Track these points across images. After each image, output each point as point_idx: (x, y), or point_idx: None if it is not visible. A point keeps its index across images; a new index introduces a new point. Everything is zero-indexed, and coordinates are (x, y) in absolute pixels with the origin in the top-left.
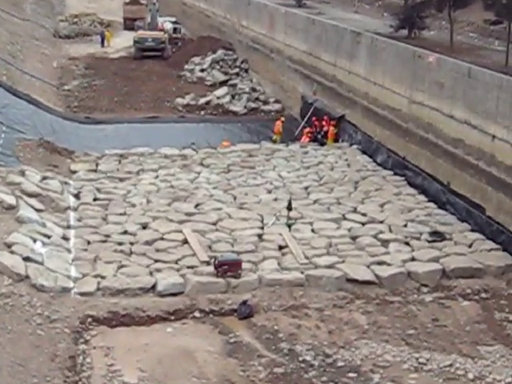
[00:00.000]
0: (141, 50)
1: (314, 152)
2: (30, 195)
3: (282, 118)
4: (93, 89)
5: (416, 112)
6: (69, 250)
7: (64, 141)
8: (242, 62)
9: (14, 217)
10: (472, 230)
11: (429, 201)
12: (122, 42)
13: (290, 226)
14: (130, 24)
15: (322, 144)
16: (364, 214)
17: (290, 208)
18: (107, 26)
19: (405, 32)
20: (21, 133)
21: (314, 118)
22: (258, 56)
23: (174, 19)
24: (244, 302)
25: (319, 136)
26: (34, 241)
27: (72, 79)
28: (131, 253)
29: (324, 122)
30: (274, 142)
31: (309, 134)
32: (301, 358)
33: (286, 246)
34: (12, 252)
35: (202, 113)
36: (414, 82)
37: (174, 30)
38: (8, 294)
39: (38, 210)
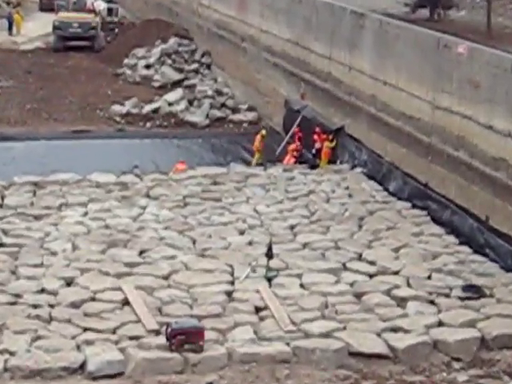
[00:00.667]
0: (63, 38)
1: (302, 177)
2: None
3: (263, 131)
4: None
5: (442, 121)
6: None
7: None
8: (202, 55)
9: None
10: None
11: (461, 243)
12: (36, 28)
13: (270, 280)
14: (47, 3)
15: (314, 166)
16: (372, 263)
17: (270, 255)
18: (16, 5)
19: (425, 13)
20: None
21: (296, 130)
22: (224, 46)
23: None
24: None
25: (309, 155)
26: None
27: None
28: (51, 319)
29: (316, 136)
30: (258, 163)
31: (295, 153)
32: None
33: (266, 308)
34: None
35: (148, 125)
36: (438, 80)
37: (109, 11)
38: None
39: None
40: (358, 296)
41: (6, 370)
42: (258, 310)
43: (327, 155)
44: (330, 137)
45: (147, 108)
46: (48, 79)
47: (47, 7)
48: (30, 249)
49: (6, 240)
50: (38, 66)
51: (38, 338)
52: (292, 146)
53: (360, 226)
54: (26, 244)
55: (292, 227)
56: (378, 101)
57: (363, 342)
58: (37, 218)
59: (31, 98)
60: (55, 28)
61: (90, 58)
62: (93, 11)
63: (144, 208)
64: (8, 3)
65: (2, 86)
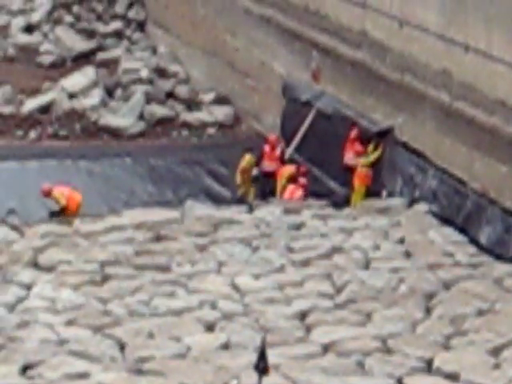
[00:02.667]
0: None
1: (318, 224)
2: None
3: (248, 157)
4: None
5: None
6: None
7: None
8: (129, 6)
9: None
10: None
11: None
12: None
13: None
14: None
15: (341, 203)
16: (452, 376)
17: (262, 368)
18: None
19: None
20: None
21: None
22: None
23: None
24: None
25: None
26: None
27: None
28: None
29: (349, 146)
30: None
31: (302, 181)
32: None
33: None
34: None
35: (34, 134)
36: None
37: None
38: None
39: None
40: None
41: None
42: None
43: (364, 180)
44: (369, 147)
45: (30, 104)
46: None
47: None
48: None
49: None
50: None
51: None
52: (284, 169)
53: (428, 311)
54: None
55: (302, 315)
56: (455, 81)
57: None
58: None
59: None
60: None
61: None
62: None
63: (29, 287)
64: None
65: None
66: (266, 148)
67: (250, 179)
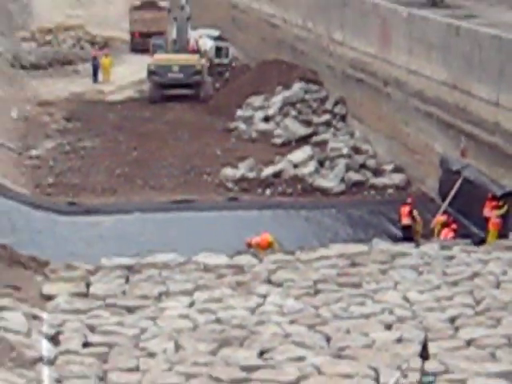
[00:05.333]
0: (161, 86)
1: (464, 256)
2: None
3: (409, 200)
4: (79, 154)
5: None
6: None
7: (30, 244)
8: (335, 104)
9: None
10: None
11: None
12: (127, 74)
13: None
14: (141, 42)
15: (480, 242)
16: None
17: (425, 355)
18: (103, 46)
19: None
20: None
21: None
22: (362, 92)
23: (217, 33)
24: None
25: (474, 228)
26: None
27: (44, 139)
28: None
29: (488, 203)
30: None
31: (454, 226)
32: None
33: None
34: None
35: (268, 192)
36: None
37: (218, 51)
38: None
39: None
40: None
41: None
42: None
43: (497, 226)
44: (501, 204)
45: (267, 171)
46: (143, 137)
47: (140, 47)
48: (122, 349)
49: (93, 338)
50: (130, 120)
51: None
52: (439, 218)
53: None
54: (118, 343)
55: (452, 320)
56: None
57: None
58: (130, 310)
59: (122, 161)
60: (151, 73)
61: (195, 110)
62: (197, 52)
63: (264, 297)
64: (93, 44)
65: (85, 146)
66: (406, 208)
67: (409, 220)
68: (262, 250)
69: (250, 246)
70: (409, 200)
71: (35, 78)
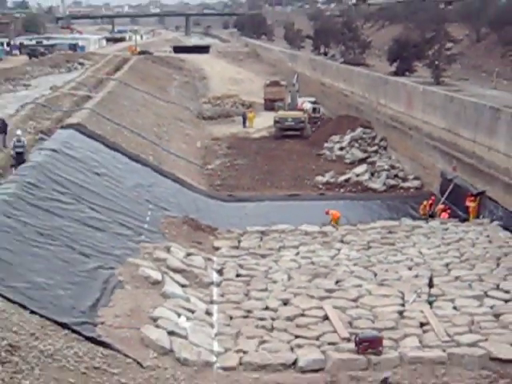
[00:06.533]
0: (281, 129)
1: (454, 228)
2: (175, 271)
3: (431, 201)
4: (235, 168)
5: None
6: (212, 325)
7: (207, 218)
8: (380, 140)
9: (159, 292)
10: None
11: None
12: (262, 122)
13: (431, 303)
14: (270, 105)
15: (464, 220)
16: (507, 292)
17: (431, 285)
18: (249, 106)
19: None
20: (166, 210)
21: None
22: (396, 133)
23: (313, 99)
24: (385, 380)
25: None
26: (179, 315)
27: (215, 158)
28: (272, 328)
29: (467, 199)
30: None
31: (448, 211)
32: None
33: (428, 324)
34: (157, 326)
35: (342, 190)
36: None
37: (314, 109)
38: (153, 367)
39: (182, 286)
40: (497, 316)
41: (240, 364)
42: (422, 325)
43: (473, 212)
44: (476, 199)
45: (341, 178)
46: (270, 158)
47: (269, 107)
48: (258, 278)
49: (241, 272)
50: (264, 149)
51: (264, 341)
52: (440, 207)
53: (498, 264)
54: (255, 275)
55: (447, 265)
56: (511, 173)
57: (501, 350)
58: (263, 256)
59: (259, 172)
60: (275, 122)
61: (300, 143)
62: (302, 110)
63: (339, 250)
64: (242, 105)
65: (238, 163)
66: (429, 202)
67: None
68: (334, 220)
69: (327, 213)
70: (431, 198)
71: (210, 124)
